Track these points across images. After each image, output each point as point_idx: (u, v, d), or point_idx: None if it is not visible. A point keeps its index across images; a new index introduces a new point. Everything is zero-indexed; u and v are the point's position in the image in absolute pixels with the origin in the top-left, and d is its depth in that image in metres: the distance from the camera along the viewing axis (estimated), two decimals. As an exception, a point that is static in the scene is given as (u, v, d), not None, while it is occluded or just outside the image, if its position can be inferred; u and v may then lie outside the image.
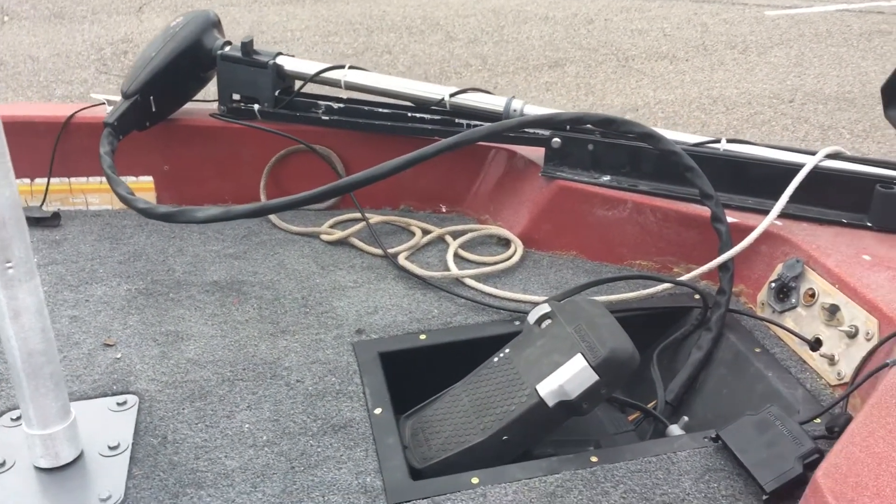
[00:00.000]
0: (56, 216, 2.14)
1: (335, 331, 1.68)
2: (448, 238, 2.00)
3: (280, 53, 2.14)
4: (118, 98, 2.08)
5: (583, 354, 1.39)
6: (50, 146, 2.14)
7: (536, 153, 2.01)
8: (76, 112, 2.15)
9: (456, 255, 1.93)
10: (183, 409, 1.47)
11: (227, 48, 2.14)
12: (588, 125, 1.84)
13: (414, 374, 1.64)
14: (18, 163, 2.18)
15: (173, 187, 2.21)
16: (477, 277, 1.84)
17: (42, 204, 2.17)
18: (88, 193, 2.20)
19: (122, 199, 1.79)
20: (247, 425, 1.43)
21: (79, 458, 1.36)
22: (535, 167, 2.00)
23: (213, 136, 2.15)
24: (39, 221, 2.12)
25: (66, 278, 1.88)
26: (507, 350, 1.53)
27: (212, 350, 1.63)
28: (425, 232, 2.03)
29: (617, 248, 1.89)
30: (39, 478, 1.32)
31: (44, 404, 1.29)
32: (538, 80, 6.67)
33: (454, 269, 1.86)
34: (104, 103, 2.17)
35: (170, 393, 1.51)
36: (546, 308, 1.54)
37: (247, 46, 2.11)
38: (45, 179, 2.17)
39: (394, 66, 6.99)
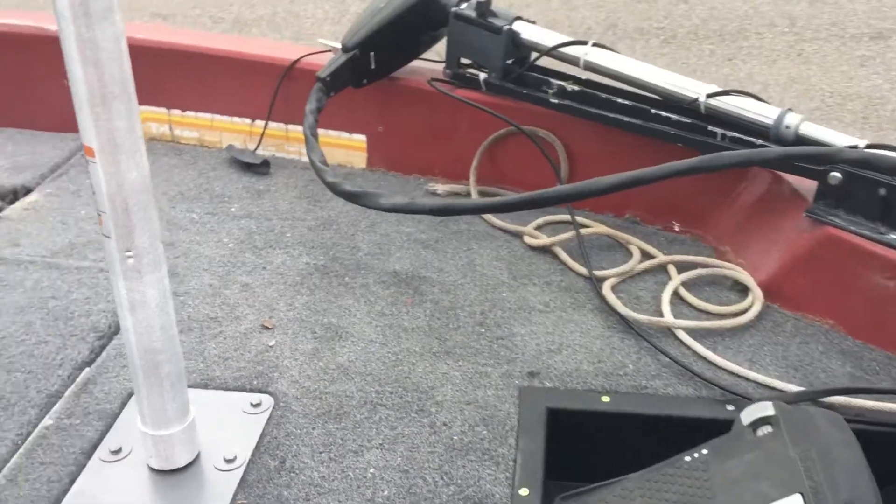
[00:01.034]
0: (266, 163, 2.05)
1: (505, 366, 1.43)
2: (671, 269, 1.65)
3: (519, 18, 1.85)
4: (345, 47, 1.92)
5: (803, 497, 1.02)
6: (273, 88, 2.04)
7: (808, 183, 1.57)
8: (302, 57, 2.03)
9: (675, 295, 1.57)
10: (314, 428, 1.30)
11: (464, 6, 1.89)
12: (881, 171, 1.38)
13: (586, 442, 1.34)
14: (241, 102, 2.13)
15: (384, 150, 2.04)
16: (694, 332, 1.48)
17: (256, 148, 2.10)
18: (304, 144, 2.09)
19: (314, 166, 1.64)
20: (372, 470, 1.23)
21: (193, 463, 1.24)
22: (801, 201, 1.57)
23: (433, 102, 1.94)
24: (249, 167, 2.05)
25: (254, 237, 1.79)
26: (704, 451, 1.19)
27: (366, 359, 1.44)
28: (646, 255, 1.69)
29: (893, 329, 1.43)
30: (149, 476, 1.23)
31: (158, 404, 1.17)
32: (853, 52, 5.74)
33: (668, 316, 1.51)
34: (331, 50, 2.03)
35: (307, 403, 1.35)
36: (769, 410, 1.17)
37: (483, 6, 1.85)
38: (263, 123, 2.09)
39: (687, 18, 6.36)
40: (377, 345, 1.48)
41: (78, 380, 1.39)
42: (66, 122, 2.18)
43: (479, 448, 1.27)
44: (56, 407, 1.33)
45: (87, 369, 1.41)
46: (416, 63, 2.00)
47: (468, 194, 1.91)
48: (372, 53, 1.88)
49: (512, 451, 1.26)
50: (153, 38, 2.09)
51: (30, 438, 1.27)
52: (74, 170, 2.03)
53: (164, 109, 2.16)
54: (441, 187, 1.95)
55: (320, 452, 1.26)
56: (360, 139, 2.05)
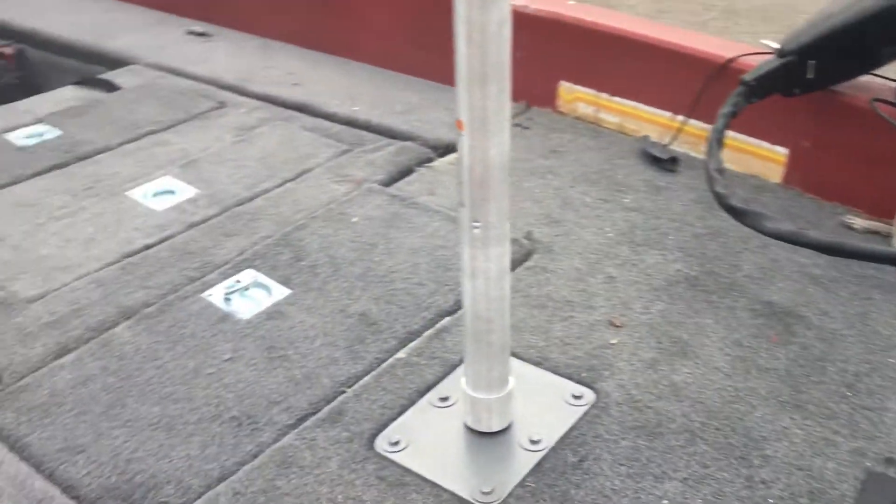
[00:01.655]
0: (674, 160, 2.00)
1: (860, 441, 1.22)
2: None
3: None
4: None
5: None
6: (700, 85, 1.97)
7: None
8: (739, 56, 1.91)
9: None
10: (624, 439, 1.26)
11: (941, 17, 1.60)
12: None
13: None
14: (665, 94, 2.09)
15: (806, 169, 1.85)
16: None
17: (669, 144, 2.05)
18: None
19: (706, 172, 1.56)
20: (666, 502, 1.16)
21: (503, 432, 1.30)
22: None
23: (873, 125, 1.69)
24: (657, 161, 2.02)
25: (636, 232, 1.76)
26: None
27: (703, 385, 1.35)
28: None
29: None
30: (463, 432, 1.31)
31: (481, 369, 1.24)
32: None
33: None
34: (772, 52, 1.88)
35: (626, 411, 1.31)
36: None
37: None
38: (682, 119, 2.03)
39: None
40: (721, 375, 1.37)
41: (437, 325, 1.53)
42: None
43: (792, 523, 1.12)
44: (411, 344, 1.48)
45: (446, 318, 1.55)
46: (863, 76, 1.76)
47: (889, 236, 1.65)
48: (812, 62, 1.70)
49: (829, 541, 1.09)
50: (592, 20, 2.15)
51: (383, 365, 1.44)
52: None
53: (593, 91, 2.21)
54: (860, 222, 1.71)
55: (620, 465, 1.22)
56: (781, 152, 1.88)
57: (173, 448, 1.28)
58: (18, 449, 1.29)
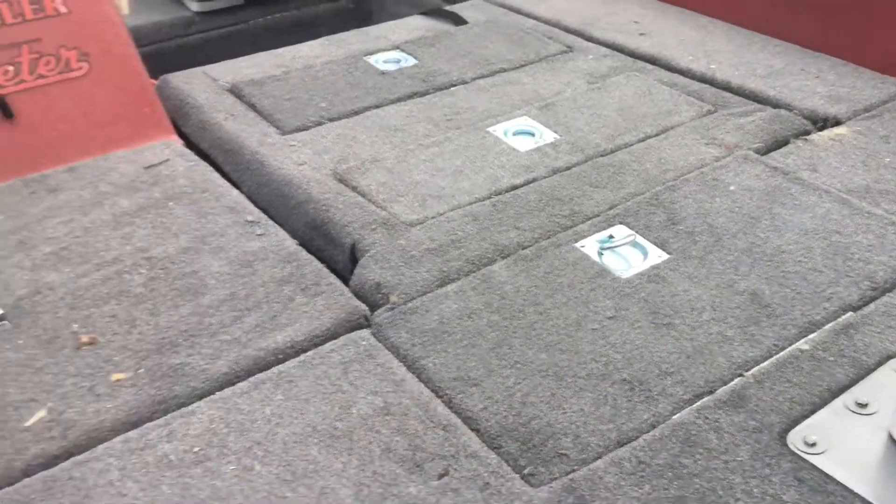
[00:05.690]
0: None
1: None
2: None
3: None
4: None
5: None
6: None
7: None
8: None
9: None
10: None
11: None
12: None
13: None
14: None
15: None
16: None
17: None
18: None
19: None
20: None
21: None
22: None
23: None
24: None
25: None
26: None
27: None
28: None
29: None
30: (888, 446, 1.16)
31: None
32: None
33: None
34: None
35: None
36: None
37: None
38: None
39: None
40: None
41: (840, 319, 1.37)
42: (893, 65, 2.10)
43: None
44: (813, 336, 1.34)
45: (850, 313, 1.39)
46: None
47: None
48: None
49: None
50: None
51: (783, 353, 1.31)
52: (889, 115, 1.96)
53: None
54: None
55: None
56: None
57: (565, 399, 1.24)
58: (416, 370, 1.31)
